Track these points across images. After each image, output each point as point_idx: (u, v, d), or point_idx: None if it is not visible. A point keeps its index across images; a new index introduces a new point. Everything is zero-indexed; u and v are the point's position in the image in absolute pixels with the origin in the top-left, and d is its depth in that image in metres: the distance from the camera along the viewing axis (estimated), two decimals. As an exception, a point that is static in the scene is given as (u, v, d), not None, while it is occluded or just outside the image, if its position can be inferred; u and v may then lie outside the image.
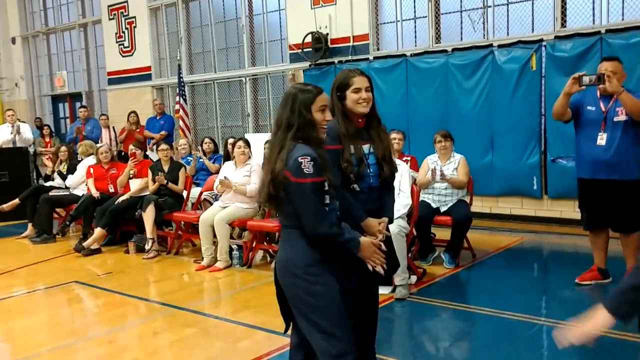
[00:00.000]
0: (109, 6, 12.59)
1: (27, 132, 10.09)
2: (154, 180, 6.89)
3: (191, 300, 5.10)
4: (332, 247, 2.46)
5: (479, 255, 6.05)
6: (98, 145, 7.96)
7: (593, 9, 7.15)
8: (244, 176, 6.26)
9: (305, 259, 2.42)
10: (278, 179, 2.39)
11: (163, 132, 10.40)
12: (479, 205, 7.58)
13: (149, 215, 6.65)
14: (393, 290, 4.90)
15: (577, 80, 4.39)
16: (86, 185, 7.66)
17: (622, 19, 6.96)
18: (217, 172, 6.94)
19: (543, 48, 7.28)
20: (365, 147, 2.90)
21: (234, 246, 6.39)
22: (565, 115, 4.67)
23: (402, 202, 4.95)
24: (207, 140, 8.21)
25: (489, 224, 7.64)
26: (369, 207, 2.87)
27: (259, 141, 7.76)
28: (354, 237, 2.49)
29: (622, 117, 4.51)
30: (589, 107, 4.65)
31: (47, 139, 11.48)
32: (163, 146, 7.15)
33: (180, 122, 10.28)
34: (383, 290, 4.85)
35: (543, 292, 5.18)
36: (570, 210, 6.94)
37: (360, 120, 2.91)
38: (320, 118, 2.50)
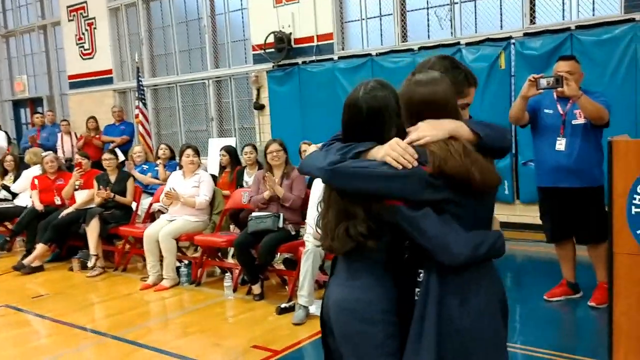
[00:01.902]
0: (68, 7, 12.06)
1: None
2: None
3: (128, 326, 4.67)
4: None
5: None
6: (43, 154, 7.46)
7: (563, 4, 6.82)
8: (192, 187, 5.83)
9: (384, 304, 1.90)
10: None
11: (125, 137, 9.93)
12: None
13: (92, 230, 6.18)
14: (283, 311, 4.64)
15: (534, 83, 4.04)
16: (30, 197, 7.17)
17: (593, 15, 6.63)
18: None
19: (512, 46, 6.93)
20: None
21: (185, 262, 5.95)
22: (523, 120, 4.34)
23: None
24: (162, 146, 7.75)
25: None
26: None
27: (219, 146, 7.39)
28: (499, 238, 1.91)
29: (580, 120, 4.19)
30: (546, 110, 4.31)
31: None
32: (106, 155, 6.68)
33: (140, 128, 9.80)
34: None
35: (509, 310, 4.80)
36: (543, 216, 6.58)
37: None
38: None
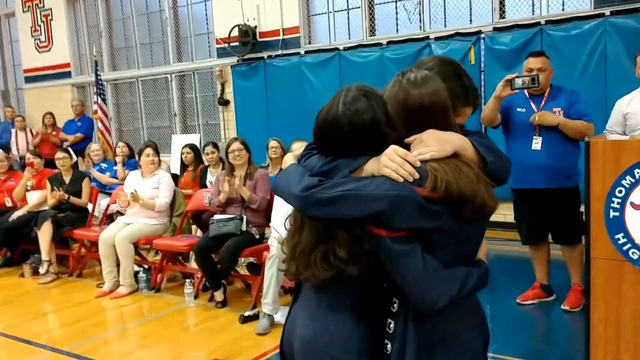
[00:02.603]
0: (22, -3, 11.55)
1: None
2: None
3: (83, 338, 4.37)
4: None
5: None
6: (-8, 153, 7.04)
7: (532, -2, 6.71)
8: (152, 188, 5.53)
9: (361, 345, 1.63)
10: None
11: (78, 135, 9.50)
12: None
13: (45, 234, 5.83)
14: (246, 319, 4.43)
15: (509, 83, 3.89)
16: (-21, 199, 6.76)
17: (563, 10, 6.53)
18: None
19: (482, 41, 6.80)
20: None
21: (144, 267, 5.65)
22: (495, 120, 4.20)
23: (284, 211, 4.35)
24: (121, 144, 7.40)
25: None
26: None
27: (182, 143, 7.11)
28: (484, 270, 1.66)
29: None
30: (518, 109, 4.17)
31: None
32: (59, 154, 6.31)
33: (99, 124, 9.40)
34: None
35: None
36: (514, 214, 6.48)
37: None
38: None
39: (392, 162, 1.48)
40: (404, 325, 1.56)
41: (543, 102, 4.11)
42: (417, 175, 1.46)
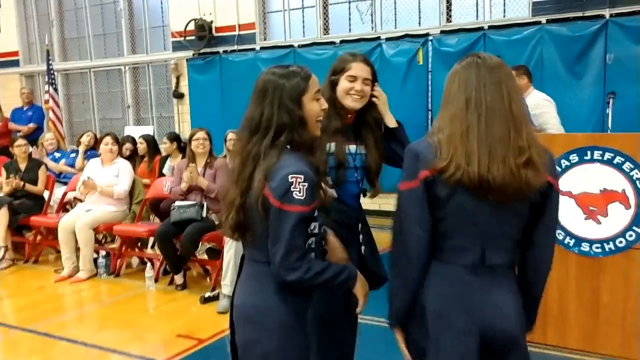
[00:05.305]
0: (-32, -17, 11.26)
1: None
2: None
3: (42, 320, 4.47)
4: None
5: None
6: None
7: (477, 4, 7.14)
8: (113, 176, 5.65)
9: (281, 312, 1.83)
10: (257, 201, 1.78)
11: (31, 125, 9.39)
12: (367, 202, 7.38)
13: (1, 220, 5.85)
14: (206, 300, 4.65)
15: None
16: None
17: (504, 16, 7.01)
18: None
19: (430, 42, 7.20)
20: (352, 147, 2.47)
21: (102, 253, 5.76)
22: None
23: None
24: (89, 133, 7.33)
25: (379, 221, 7.44)
26: (345, 221, 2.42)
27: (138, 134, 7.16)
28: (343, 273, 1.89)
29: None
30: None
31: None
32: (19, 142, 6.33)
33: (51, 114, 9.32)
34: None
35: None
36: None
37: (349, 115, 2.46)
38: (317, 109, 1.88)
39: None
40: None
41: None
42: None
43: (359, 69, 2.42)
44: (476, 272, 1.77)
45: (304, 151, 1.85)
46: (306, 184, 1.74)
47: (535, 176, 1.70)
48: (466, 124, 1.73)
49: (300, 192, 1.73)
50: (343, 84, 2.42)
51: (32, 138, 8.71)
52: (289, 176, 1.74)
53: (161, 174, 6.30)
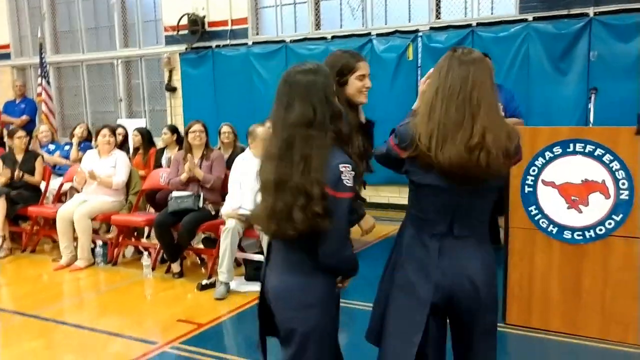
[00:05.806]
0: (-41, -25, 11.24)
1: None
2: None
3: (44, 306, 4.59)
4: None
5: (357, 246, 5.96)
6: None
7: (465, 2, 7.32)
8: (110, 167, 5.77)
9: (320, 289, 2.03)
10: (319, 191, 1.90)
11: (24, 117, 9.44)
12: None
13: (-1, 210, 5.96)
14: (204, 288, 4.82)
15: None
16: None
17: (492, 13, 7.19)
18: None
19: (419, 38, 7.37)
20: None
21: (99, 242, 5.87)
22: None
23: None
24: (82, 125, 7.43)
25: (369, 213, 7.61)
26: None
27: (131, 127, 7.27)
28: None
29: None
30: None
31: None
32: (20, 133, 6.43)
33: (43, 107, 9.39)
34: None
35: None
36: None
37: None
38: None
39: None
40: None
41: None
42: None
43: (365, 67, 2.62)
44: (443, 241, 2.06)
45: (341, 143, 2.01)
46: (353, 172, 1.94)
47: (492, 160, 1.92)
48: (430, 108, 1.98)
49: (349, 180, 1.92)
50: (355, 83, 2.59)
51: (25, 130, 8.77)
52: (340, 166, 1.92)
53: (158, 166, 6.42)
